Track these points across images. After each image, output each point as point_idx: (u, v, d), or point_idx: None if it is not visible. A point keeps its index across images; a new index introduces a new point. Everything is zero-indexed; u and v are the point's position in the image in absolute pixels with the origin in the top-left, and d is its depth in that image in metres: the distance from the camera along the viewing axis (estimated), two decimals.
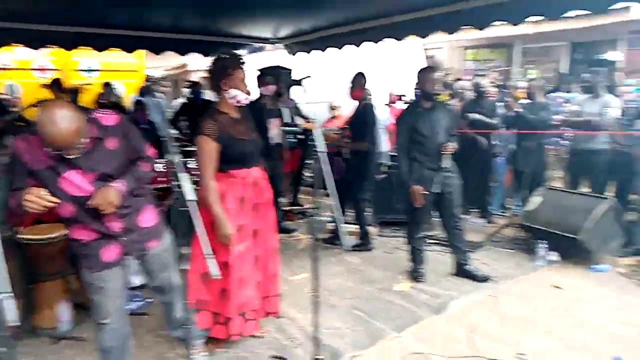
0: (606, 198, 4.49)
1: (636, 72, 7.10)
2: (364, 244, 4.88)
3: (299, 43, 7.30)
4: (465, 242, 4.28)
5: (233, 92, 2.78)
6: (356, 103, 4.80)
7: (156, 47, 5.75)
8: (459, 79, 9.13)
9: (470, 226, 5.81)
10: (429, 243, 4.98)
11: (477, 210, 6.21)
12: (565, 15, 4.71)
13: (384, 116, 6.23)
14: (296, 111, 6.06)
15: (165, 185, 3.97)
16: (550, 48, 10.41)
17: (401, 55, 8.31)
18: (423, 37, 6.31)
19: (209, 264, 2.12)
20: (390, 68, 7.98)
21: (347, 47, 6.79)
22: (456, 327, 3.25)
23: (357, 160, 4.69)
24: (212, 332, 2.91)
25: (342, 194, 4.92)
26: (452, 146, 3.93)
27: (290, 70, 5.92)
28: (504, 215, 6.08)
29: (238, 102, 2.81)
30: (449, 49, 12.03)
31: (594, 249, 4.32)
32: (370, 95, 5.24)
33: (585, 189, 5.37)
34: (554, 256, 4.51)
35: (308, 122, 5.80)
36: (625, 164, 4.85)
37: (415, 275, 4.14)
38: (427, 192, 3.93)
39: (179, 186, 2.11)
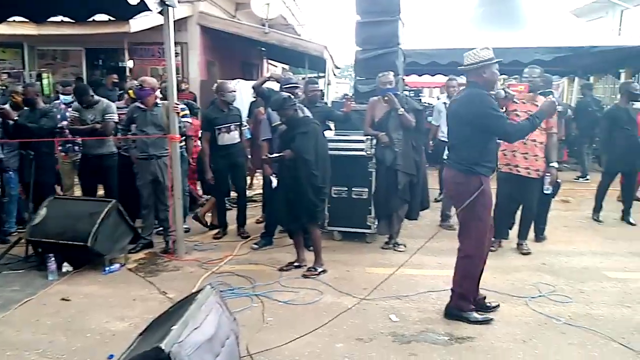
0: (110, 201, 4.68)
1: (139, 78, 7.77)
2: None
3: None
4: None
5: None
6: None
7: None
8: None
9: None
10: None
11: None
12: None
13: None
14: None
15: None
16: (67, 52, 10.19)
17: None
18: None
19: None
20: None
21: None
22: None
23: None
24: None
25: None
26: None
27: None
28: (22, 233, 5.54)
29: None
30: None
31: (104, 251, 4.45)
32: None
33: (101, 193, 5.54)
34: (68, 267, 4.42)
35: None
36: (126, 164, 5.22)
37: None
38: None
39: None
